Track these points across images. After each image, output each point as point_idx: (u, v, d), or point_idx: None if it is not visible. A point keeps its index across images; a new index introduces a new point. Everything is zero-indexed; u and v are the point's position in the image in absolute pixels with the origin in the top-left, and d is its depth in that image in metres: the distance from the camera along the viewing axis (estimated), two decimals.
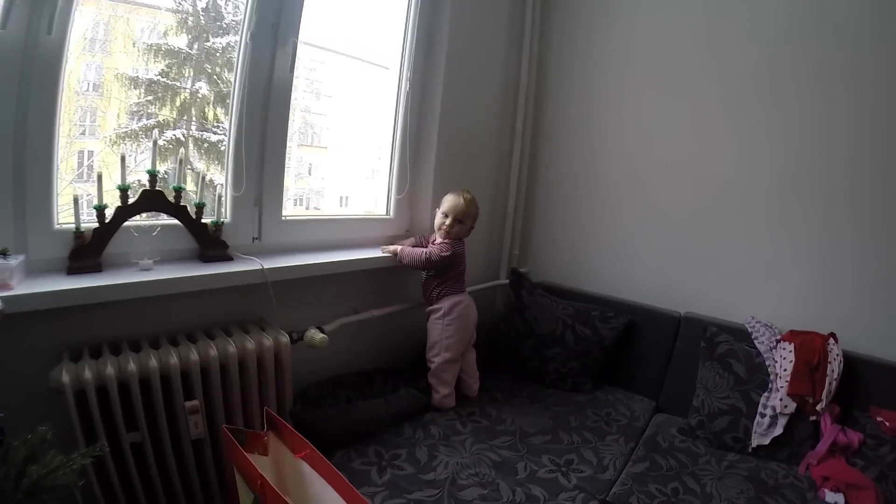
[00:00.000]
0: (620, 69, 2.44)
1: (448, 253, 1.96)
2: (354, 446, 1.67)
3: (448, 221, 1.99)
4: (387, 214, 2.27)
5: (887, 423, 1.64)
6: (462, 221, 2.00)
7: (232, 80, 1.68)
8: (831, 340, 1.83)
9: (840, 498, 1.59)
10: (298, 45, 1.72)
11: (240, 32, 1.65)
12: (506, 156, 2.68)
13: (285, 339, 1.65)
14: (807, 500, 1.60)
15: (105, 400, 1.31)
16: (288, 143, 1.82)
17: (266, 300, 1.69)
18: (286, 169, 1.84)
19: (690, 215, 2.29)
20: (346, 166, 2.26)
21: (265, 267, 1.63)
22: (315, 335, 1.76)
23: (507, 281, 2.52)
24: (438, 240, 2.01)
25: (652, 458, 1.76)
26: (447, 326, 1.99)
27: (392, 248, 2.02)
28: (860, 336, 1.88)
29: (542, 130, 2.70)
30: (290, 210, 1.90)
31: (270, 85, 1.70)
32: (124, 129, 1.59)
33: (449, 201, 2.00)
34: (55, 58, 1.31)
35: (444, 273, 2.01)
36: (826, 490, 1.62)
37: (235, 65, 1.66)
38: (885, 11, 1.85)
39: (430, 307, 2.04)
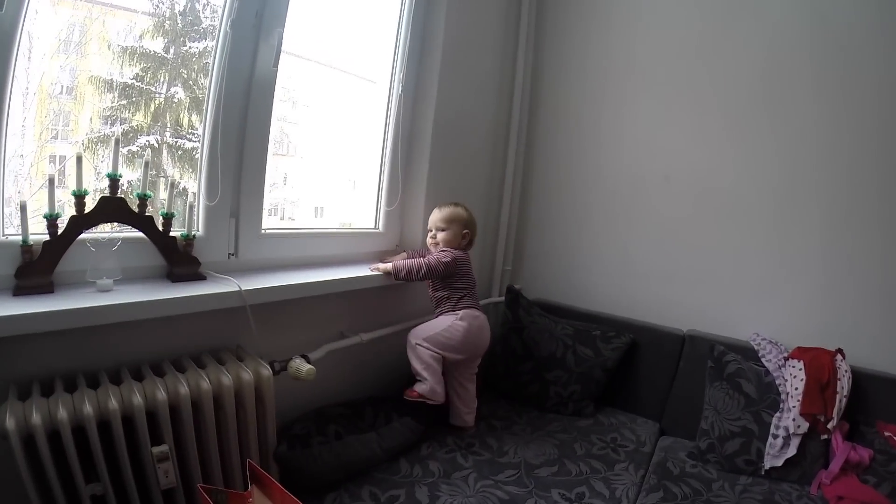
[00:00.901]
0: (617, 79, 2.39)
1: (448, 259, 1.83)
2: (346, 488, 1.49)
3: (431, 233, 1.89)
4: (376, 228, 2.10)
5: None
6: (445, 228, 1.88)
7: (208, 84, 1.49)
8: (839, 356, 1.80)
9: None
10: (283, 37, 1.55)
11: (219, 20, 1.45)
12: (499, 168, 2.57)
13: (267, 371, 1.44)
14: None
15: (59, 445, 1.08)
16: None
17: (243, 325, 1.47)
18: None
19: (690, 228, 2.24)
20: (323, 177, 2.08)
21: (243, 288, 1.42)
22: (301, 366, 1.54)
23: (502, 299, 2.38)
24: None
25: (665, 486, 1.66)
26: (454, 328, 1.83)
27: (384, 265, 1.83)
28: (863, 349, 1.85)
29: (537, 141, 2.61)
30: (264, 221, 1.70)
31: (252, 80, 1.52)
32: (97, 135, 1.41)
33: (430, 216, 1.92)
34: (5, 40, 1.10)
35: (449, 285, 1.88)
36: None
37: (213, 56, 1.47)
38: (882, 22, 1.87)
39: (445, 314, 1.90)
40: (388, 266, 1.82)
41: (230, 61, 1.46)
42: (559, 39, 2.52)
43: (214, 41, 1.47)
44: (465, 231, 1.91)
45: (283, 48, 1.57)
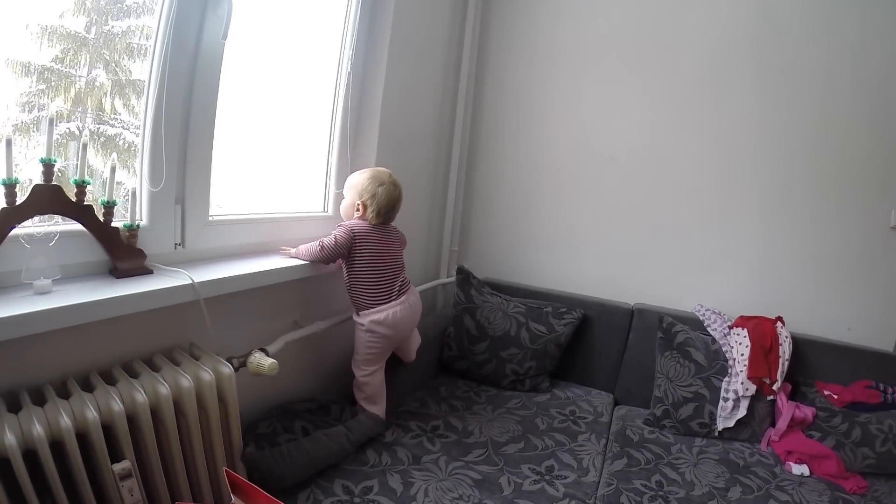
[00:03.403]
0: (564, 60, 2.40)
1: (340, 234, 1.62)
2: (318, 484, 1.43)
3: None
4: (325, 211, 1.99)
5: (835, 396, 1.78)
6: (344, 196, 1.73)
7: (150, 58, 1.33)
8: (779, 323, 1.95)
9: (805, 468, 1.70)
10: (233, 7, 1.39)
11: None
12: (445, 148, 2.52)
13: (227, 369, 1.33)
14: (776, 474, 1.69)
15: (10, 473, 0.95)
16: None
17: (195, 321, 1.36)
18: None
19: (635, 207, 2.32)
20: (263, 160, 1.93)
21: (196, 281, 1.30)
22: (262, 361, 1.44)
23: (451, 280, 2.36)
24: None
25: (628, 453, 1.74)
26: (369, 342, 1.70)
27: (293, 250, 1.69)
28: (799, 317, 2.03)
29: (483, 121, 2.59)
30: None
31: (197, 54, 1.36)
32: (13, 123, 1.23)
33: None
34: None
35: (353, 271, 1.67)
36: (791, 463, 1.72)
37: (156, 28, 1.30)
38: (820, 18, 2.00)
39: (355, 316, 1.74)
40: (292, 252, 1.68)
41: (174, 34, 1.30)
42: (507, 20, 2.49)
43: (158, 11, 1.30)
44: (357, 202, 1.68)
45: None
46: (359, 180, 1.69)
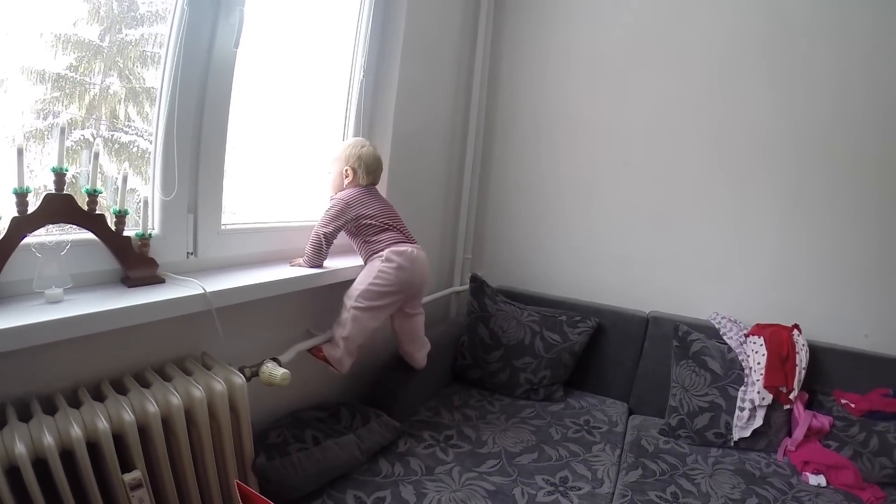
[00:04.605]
0: (576, 66, 2.39)
1: (335, 206, 1.67)
2: (329, 494, 1.41)
3: None
4: None
5: (853, 405, 1.74)
6: (331, 171, 1.78)
7: (161, 68, 1.34)
8: (796, 331, 1.92)
9: (822, 479, 1.67)
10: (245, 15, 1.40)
11: None
12: (458, 155, 2.51)
13: (239, 379, 1.33)
14: (793, 485, 1.65)
15: (20, 482, 0.95)
16: None
17: (207, 330, 1.36)
18: None
19: (650, 213, 2.30)
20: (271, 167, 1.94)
21: (208, 291, 1.30)
22: (274, 371, 1.43)
23: (464, 288, 2.35)
24: None
25: (643, 463, 1.71)
26: (381, 270, 1.65)
27: (300, 259, 1.69)
28: (816, 324, 1.99)
29: (496, 128, 2.58)
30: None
31: (209, 63, 1.37)
32: (28, 130, 1.24)
33: None
34: None
35: (361, 230, 1.70)
36: (808, 473, 1.69)
37: (168, 38, 1.31)
38: (834, 14, 1.98)
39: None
40: (301, 261, 1.68)
41: (186, 43, 1.31)
42: (519, 25, 2.49)
43: (169, 21, 1.32)
44: (345, 168, 1.73)
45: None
46: (340, 151, 1.76)
